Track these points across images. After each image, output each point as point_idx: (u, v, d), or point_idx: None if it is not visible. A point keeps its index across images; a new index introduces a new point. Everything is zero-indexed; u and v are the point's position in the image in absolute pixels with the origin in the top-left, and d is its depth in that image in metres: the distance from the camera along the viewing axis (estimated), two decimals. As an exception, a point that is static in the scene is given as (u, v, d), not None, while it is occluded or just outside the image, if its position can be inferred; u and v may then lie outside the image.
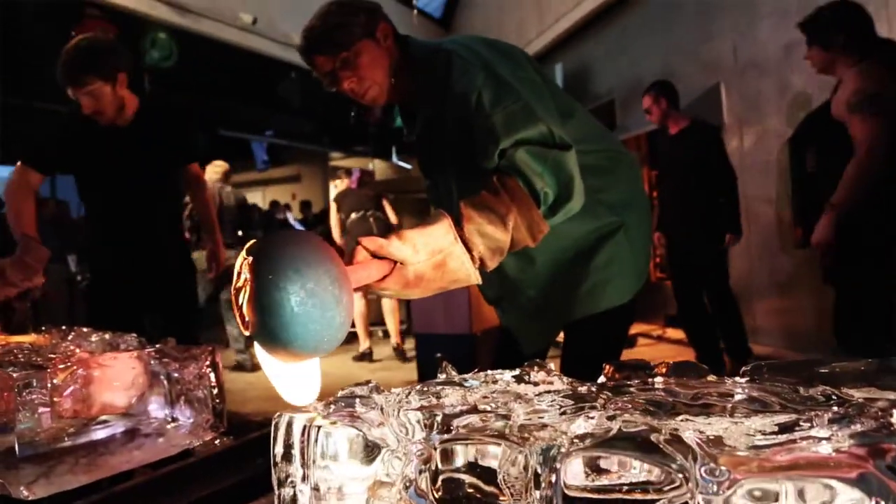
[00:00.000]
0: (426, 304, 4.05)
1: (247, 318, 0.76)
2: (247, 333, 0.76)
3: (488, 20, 9.30)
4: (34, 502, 0.89)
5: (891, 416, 0.47)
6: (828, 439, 0.44)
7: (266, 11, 7.03)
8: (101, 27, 5.48)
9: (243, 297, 0.76)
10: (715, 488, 0.40)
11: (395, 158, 11.15)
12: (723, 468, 0.41)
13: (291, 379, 0.80)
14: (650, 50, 5.95)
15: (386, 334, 6.14)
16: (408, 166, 11.63)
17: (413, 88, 1.43)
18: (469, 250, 0.98)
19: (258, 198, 12.74)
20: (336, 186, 5.91)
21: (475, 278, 0.99)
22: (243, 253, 0.78)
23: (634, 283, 1.51)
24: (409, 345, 5.56)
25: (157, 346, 1.14)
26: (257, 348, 0.78)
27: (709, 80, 5.02)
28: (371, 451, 0.55)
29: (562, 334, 1.62)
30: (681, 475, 0.42)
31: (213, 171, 5.55)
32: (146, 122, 2.53)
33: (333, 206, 5.74)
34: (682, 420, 0.51)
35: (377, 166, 12.28)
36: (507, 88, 1.22)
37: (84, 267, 7.18)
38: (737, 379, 0.64)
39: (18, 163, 2.42)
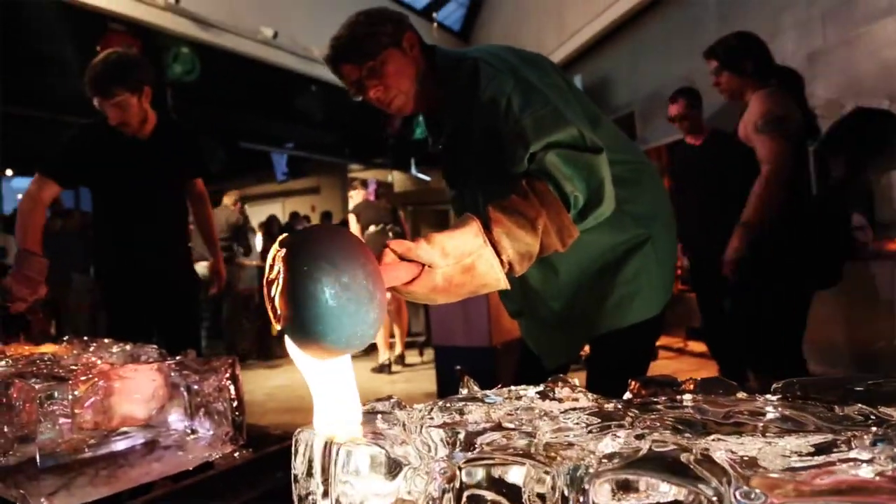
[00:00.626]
0: (445, 315, 4.03)
1: (278, 312, 0.73)
2: (278, 327, 0.74)
3: (507, 32, 9.31)
4: (54, 515, 0.88)
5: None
6: (869, 462, 0.42)
7: (286, 25, 7.10)
8: (125, 42, 5.56)
9: (276, 290, 0.74)
10: (751, 512, 0.39)
11: (413, 170, 11.17)
12: (758, 491, 0.40)
13: (323, 376, 0.76)
14: (670, 62, 5.93)
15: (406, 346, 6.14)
16: (427, 178, 11.64)
17: (439, 97, 1.43)
18: (498, 254, 0.95)
19: (278, 209, 12.80)
20: (352, 197, 5.92)
21: (503, 283, 0.96)
22: (276, 245, 0.76)
23: (662, 297, 1.49)
24: (428, 356, 5.55)
25: (178, 358, 1.13)
26: (288, 344, 0.75)
27: (730, 91, 4.97)
28: (393, 468, 0.54)
29: (586, 348, 1.60)
30: (714, 498, 0.40)
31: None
32: (163, 136, 2.60)
33: (352, 218, 5.75)
34: (713, 440, 0.49)
35: (396, 178, 12.32)
36: (535, 93, 1.21)
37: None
38: (768, 396, 0.62)
39: (36, 174, 2.45)
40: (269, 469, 1.02)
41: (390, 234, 5.58)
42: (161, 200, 2.66)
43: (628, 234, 1.42)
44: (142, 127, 2.52)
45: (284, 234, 0.77)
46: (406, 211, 12.42)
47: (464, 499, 0.50)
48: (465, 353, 4.06)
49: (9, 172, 12.90)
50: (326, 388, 0.73)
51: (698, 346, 5.38)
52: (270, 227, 8.90)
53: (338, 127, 8.74)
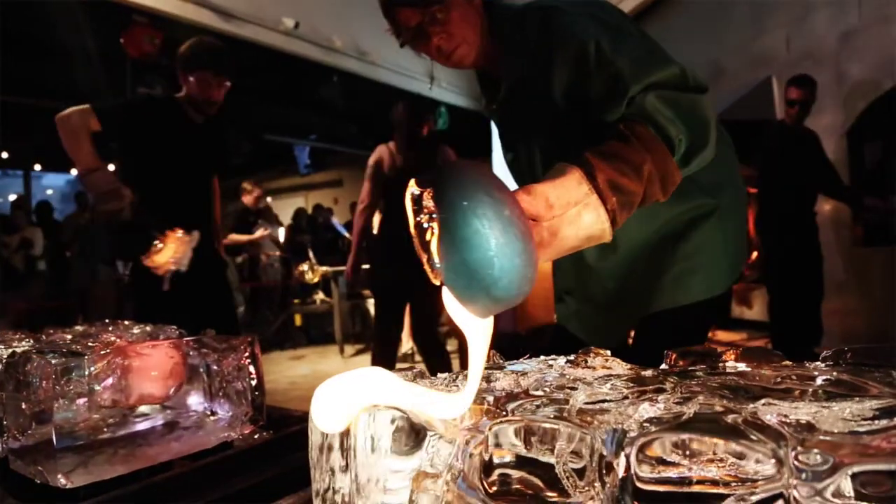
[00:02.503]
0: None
1: (436, 262, 0.63)
2: (437, 282, 0.64)
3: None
4: (72, 490, 0.87)
5: None
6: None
7: (308, 16, 7.08)
8: (149, 34, 5.59)
9: (430, 237, 0.63)
10: (816, 475, 0.35)
11: (439, 162, 11.13)
12: (819, 453, 0.36)
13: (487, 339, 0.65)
14: (696, 46, 5.81)
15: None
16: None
17: (495, 53, 1.34)
18: (603, 203, 0.85)
19: (301, 203, 12.87)
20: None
21: (608, 235, 0.88)
22: (412, 188, 0.66)
23: (728, 274, 1.37)
24: (452, 345, 5.52)
25: (196, 336, 1.11)
26: (449, 302, 0.65)
27: (759, 75, 4.87)
28: (416, 436, 0.50)
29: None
30: (773, 460, 0.36)
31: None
32: (216, 125, 2.79)
33: (376, 208, 5.72)
34: (763, 404, 0.45)
35: (419, 170, 12.27)
36: (625, 34, 1.15)
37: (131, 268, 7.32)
38: (818, 363, 0.58)
39: (87, 106, 2.49)
40: (290, 449, 1.00)
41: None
42: (203, 184, 2.80)
43: (693, 203, 1.31)
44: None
45: (417, 178, 0.67)
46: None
47: (492, 472, 0.47)
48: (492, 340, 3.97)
49: (37, 167, 13.10)
50: (485, 354, 0.63)
51: (727, 336, 5.30)
52: (298, 221, 8.93)
53: (360, 118, 8.72)
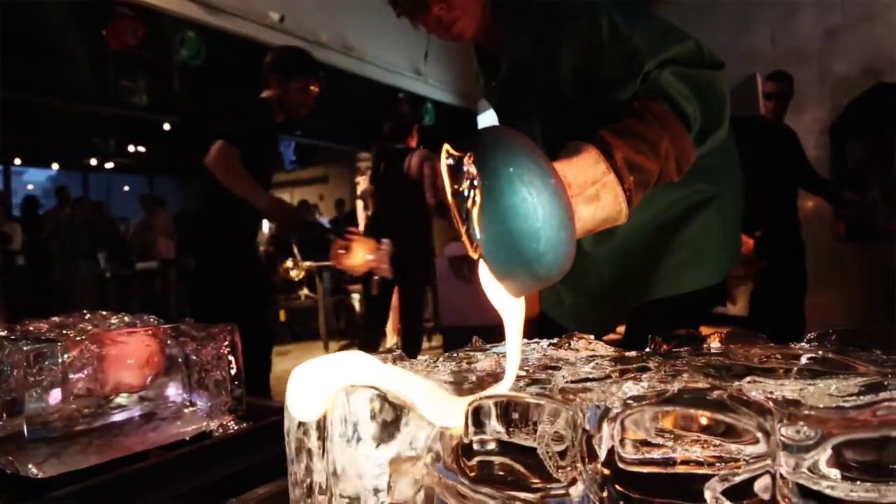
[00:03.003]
0: (454, 295, 3.96)
1: (476, 234, 0.57)
2: (475, 256, 0.58)
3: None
4: (43, 481, 0.84)
5: None
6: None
7: (294, 10, 7.03)
8: (132, 27, 5.52)
9: (471, 205, 0.57)
10: (802, 448, 0.34)
11: (422, 157, 11.11)
12: (806, 426, 0.35)
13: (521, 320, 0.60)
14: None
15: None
16: (435, 165, 11.57)
17: (499, 29, 1.29)
18: (621, 182, 0.81)
19: (286, 198, 12.80)
20: (360, 183, 5.89)
21: (624, 216, 0.84)
22: (446, 152, 0.60)
23: (725, 263, 1.33)
24: (437, 342, 5.51)
25: (174, 324, 1.09)
26: (486, 279, 0.59)
27: (744, 72, 4.90)
28: (395, 416, 0.49)
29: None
30: (759, 434, 0.35)
31: None
32: (294, 125, 2.94)
33: (360, 203, 5.71)
34: (748, 382, 0.44)
35: (405, 166, 12.27)
36: (637, 10, 1.12)
37: (113, 265, 7.26)
38: (803, 344, 0.57)
39: (221, 142, 2.56)
40: (268, 439, 0.98)
41: (400, 218, 5.52)
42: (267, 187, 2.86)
43: (693, 188, 1.27)
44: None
45: (448, 145, 0.61)
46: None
47: (474, 460, 0.45)
48: (475, 333, 3.96)
49: (17, 161, 12.95)
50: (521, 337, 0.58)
51: (709, 331, 5.31)
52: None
53: (346, 114, 8.69)
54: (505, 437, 0.44)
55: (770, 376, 0.46)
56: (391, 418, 0.48)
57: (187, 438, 1.02)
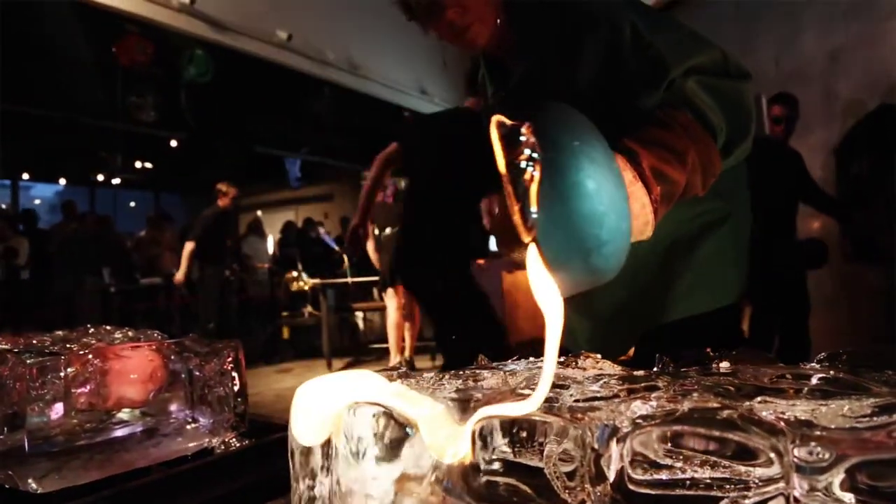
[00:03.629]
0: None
1: (532, 213, 0.49)
2: (526, 239, 0.49)
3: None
4: (43, 496, 0.84)
5: None
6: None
7: (301, 29, 7.09)
8: (141, 44, 5.58)
9: (530, 180, 0.50)
10: (816, 469, 0.33)
11: (427, 176, 11.14)
12: (819, 448, 0.34)
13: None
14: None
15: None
16: (440, 183, 11.61)
17: (511, 36, 1.25)
18: (648, 192, 0.76)
19: (291, 216, 12.85)
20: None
21: (650, 229, 0.80)
22: (497, 122, 0.54)
23: (739, 284, 1.29)
24: (441, 361, 5.49)
25: (178, 339, 1.09)
26: (535, 271, 0.49)
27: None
28: (400, 434, 0.48)
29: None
30: (773, 454, 0.34)
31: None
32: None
33: (366, 220, 5.72)
34: (759, 402, 0.43)
35: (409, 184, 12.31)
36: (662, 17, 1.09)
37: (118, 280, 7.28)
38: (813, 364, 0.57)
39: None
40: (270, 457, 0.97)
41: (406, 236, 5.52)
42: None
43: (706, 207, 1.22)
44: None
45: (500, 117, 0.55)
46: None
47: (480, 479, 0.45)
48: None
49: (25, 176, 13.02)
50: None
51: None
52: (287, 234, 8.91)
53: (351, 132, 8.74)
54: (511, 458, 0.43)
55: (781, 396, 0.46)
56: (396, 436, 0.48)
57: (189, 455, 1.01)
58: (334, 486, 0.51)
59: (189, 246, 6.05)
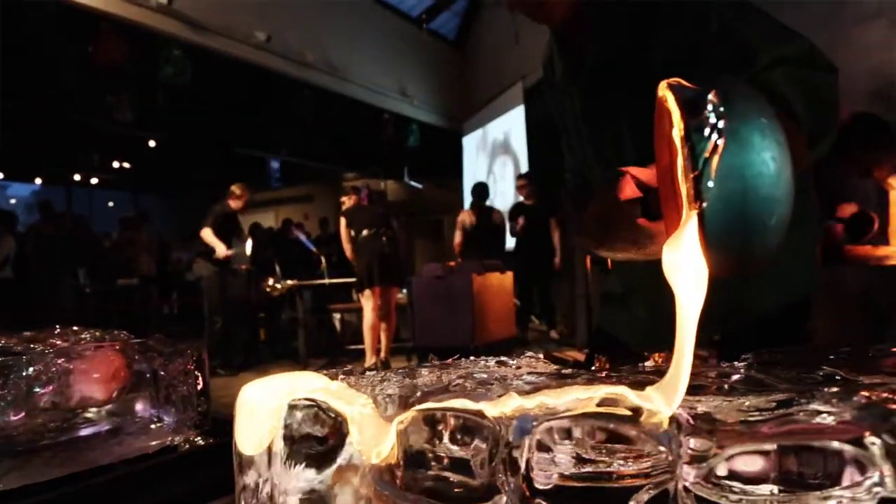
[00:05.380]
0: (429, 316, 3.96)
1: (709, 185, 0.47)
2: (692, 211, 0.47)
3: (502, 43, 9.34)
4: (2, 493, 0.85)
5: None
6: (828, 413, 0.40)
7: (281, 30, 7.09)
8: (118, 43, 5.55)
9: (712, 150, 0.47)
10: (700, 457, 0.36)
11: (406, 178, 11.17)
12: (706, 438, 0.37)
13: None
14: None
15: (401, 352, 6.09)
16: (419, 186, 11.64)
17: (590, 17, 1.21)
18: None
19: (271, 218, 12.81)
20: (344, 203, 5.92)
21: None
22: (673, 86, 0.52)
23: (808, 280, 1.25)
24: (416, 362, 5.51)
25: (142, 339, 1.11)
26: (681, 248, 0.47)
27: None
28: (336, 428, 0.51)
29: None
30: (662, 446, 0.37)
31: None
32: None
33: (343, 221, 5.74)
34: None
35: (389, 187, 12.34)
36: (746, 4, 1.06)
37: (93, 281, 7.23)
38: (736, 364, 0.60)
39: None
40: (231, 454, 0.99)
41: (384, 238, 5.56)
42: None
43: None
44: None
45: (676, 80, 0.52)
46: (399, 221, 12.45)
47: (408, 469, 0.47)
48: (446, 353, 3.97)
49: (0, 175, 12.87)
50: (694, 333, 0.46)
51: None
52: (257, 236, 8.88)
53: (331, 134, 8.75)
54: (438, 451, 0.46)
55: (698, 392, 0.49)
56: (333, 430, 0.50)
57: (151, 452, 1.02)
58: (274, 482, 0.53)
59: (207, 231, 5.99)
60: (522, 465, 0.41)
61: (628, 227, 0.80)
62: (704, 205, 0.47)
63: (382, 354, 5.63)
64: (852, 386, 0.49)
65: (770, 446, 0.37)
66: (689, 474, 0.37)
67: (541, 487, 0.41)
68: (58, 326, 1.34)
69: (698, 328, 1.23)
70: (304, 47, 7.36)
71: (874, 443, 0.35)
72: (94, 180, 13.70)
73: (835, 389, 0.45)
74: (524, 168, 8.71)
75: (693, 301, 0.46)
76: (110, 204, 15.73)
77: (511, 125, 9.35)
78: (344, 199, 5.96)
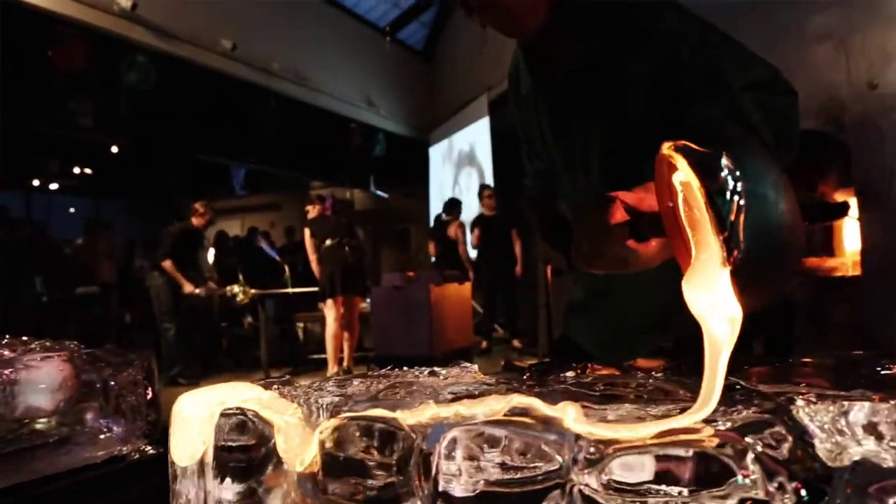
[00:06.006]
0: (388, 324, 3.98)
1: (740, 243, 0.49)
2: (727, 266, 0.50)
3: (471, 53, 9.42)
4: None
5: (791, 404, 0.47)
6: (714, 421, 0.44)
7: (246, 38, 7.07)
8: (79, 48, 5.48)
9: (737, 211, 0.49)
10: (586, 462, 0.39)
11: (372, 188, 11.17)
12: (592, 442, 0.41)
13: None
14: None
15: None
16: (385, 195, 11.64)
17: (560, 30, 1.21)
18: None
19: (236, 226, 12.69)
20: (309, 212, 5.92)
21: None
22: (681, 150, 0.54)
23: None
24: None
25: (91, 350, 1.11)
26: (722, 296, 0.51)
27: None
28: (265, 435, 0.53)
29: None
30: (555, 449, 0.41)
31: None
32: None
33: (307, 231, 5.74)
34: (583, 405, 0.50)
35: (356, 196, 12.32)
36: (716, 30, 1.09)
37: (51, 289, 7.09)
38: (656, 374, 0.64)
39: None
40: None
41: (347, 248, 5.56)
42: None
43: None
44: None
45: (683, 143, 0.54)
46: (366, 230, 12.45)
47: (331, 474, 0.50)
48: (405, 362, 3.98)
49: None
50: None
51: (647, 363, 5.41)
52: (221, 244, 8.82)
53: (297, 143, 8.72)
54: (357, 456, 0.48)
55: (616, 401, 0.53)
56: (260, 440, 0.53)
57: (98, 462, 1.03)
58: (207, 490, 0.55)
59: (168, 264, 5.98)
60: (433, 471, 0.44)
61: (618, 248, 0.84)
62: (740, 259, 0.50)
63: (345, 364, 5.62)
64: (748, 395, 0.53)
65: (655, 451, 0.40)
66: (584, 478, 0.40)
67: (461, 494, 0.43)
68: (7, 336, 1.33)
69: (647, 337, 1.21)
70: (270, 56, 7.34)
71: (746, 449, 0.39)
72: (53, 186, 13.44)
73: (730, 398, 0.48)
74: (489, 179, 8.79)
75: (728, 340, 0.51)
76: (72, 210, 15.43)
77: (476, 136, 9.41)
78: (308, 207, 5.95)
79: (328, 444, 0.49)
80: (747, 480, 0.37)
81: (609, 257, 0.86)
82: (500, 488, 0.43)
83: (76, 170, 12.40)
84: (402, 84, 10.60)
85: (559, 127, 1.33)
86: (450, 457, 0.44)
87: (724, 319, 0.51)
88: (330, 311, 5.49)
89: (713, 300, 0.52)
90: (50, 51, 5.28)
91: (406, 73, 10.78)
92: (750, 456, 0.38)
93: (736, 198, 0.50)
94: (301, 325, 6.92)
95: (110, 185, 13.95)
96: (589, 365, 0.70)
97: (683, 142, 0.54)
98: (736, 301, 0.50)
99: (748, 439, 0.39)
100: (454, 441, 0.44)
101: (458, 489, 0.43)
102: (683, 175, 0.54)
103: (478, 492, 0.43)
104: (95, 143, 8.93)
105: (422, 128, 11.02)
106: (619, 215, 0.81)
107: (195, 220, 6.25)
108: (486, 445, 0.44)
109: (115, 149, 9.69)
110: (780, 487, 0.38)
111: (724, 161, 0.50)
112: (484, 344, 7.01)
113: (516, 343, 7.11)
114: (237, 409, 0.53)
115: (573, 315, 1.51)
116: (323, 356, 5.89)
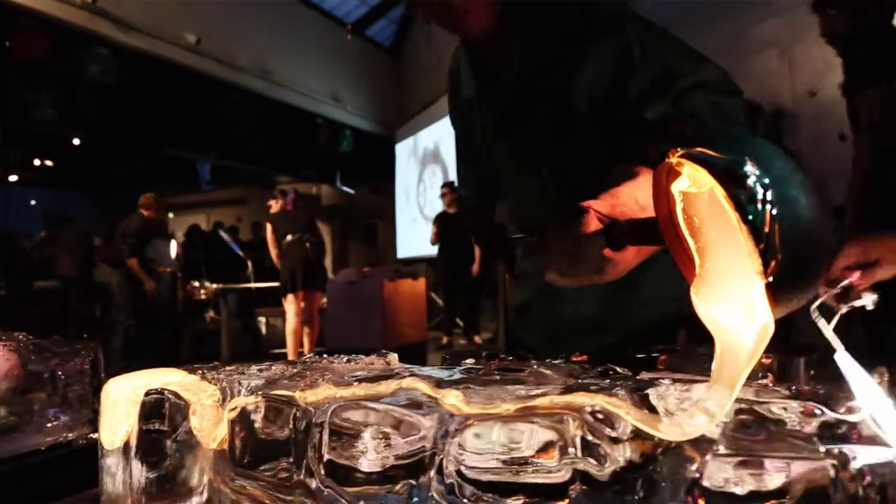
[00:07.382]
0: (340, 318, 4.01)
1: (776, 251, 0.46)
2: (765, 279, 0.46)
3: (441, 50, 9.43)
4: None
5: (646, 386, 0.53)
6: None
7: (211, 32, 7.03)
8: (38, 39, 5.41)
9: (770, 220, 0.46)
10: (448, 430, 0.46)
11: (338, 183, 11.16)
12: (452, 412, 0.47)
13: None
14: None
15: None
16: (351, 191, 11.64)
17: (509, 32, 1.21)
18: None
19: (202, 220, 12.58)
20: (271, 207, 5.92)
21: None
22: (697, 157, 0.50)
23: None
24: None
25: (37, 340, 1.14)
26: (760, 307, 0.47)
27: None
28: (183, 413, 0.59)
29: None
30: (425, 420, 0.47)
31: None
32: None
33: (269, 227, 5.75)
34: (464, 388, 0.56)
35: (324, 192, 12.29)
36: (664, 31, 1.12)
37: (9, 283, 6.97)
38: (554, 362, 0.69)
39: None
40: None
41: (307, 244, 5.58)
42: None
43: None
44: None
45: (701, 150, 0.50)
46: (334, 225, 12.45)
47: (245, 450, 0.55)
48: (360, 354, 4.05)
49: None
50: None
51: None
52: (192, 238, 8.75)
53: (263, 137, 8.69)
54: (262, 434, 0.54)
55: (490, 385, 0.59)
56: (175, 419, 0.58)
57: (42, 448, 1.06)
58: (132, 470, 0.60)
59: (134, 262, 5.91)
60: (324, 447, 0.50)
61: (594, 258, 0.83)
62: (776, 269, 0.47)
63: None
64: (620, 380, 0.59)
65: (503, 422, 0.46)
66: (452, 448, 0.46)
67: (368, 470, 0.49)
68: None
69: (589, 337, 1.21)
70: (235, 50, 7.31)
71: (569, 423, 0.45)
72: (13, 177, 13.18)
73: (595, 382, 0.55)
74: (452, 177, 8.84)
75: (754, 350, 0.48)
76: (32, 202, 15.13)
77: (441, 134, 9.46)
78: (271, 202, 5.95)
79: (237, 423, 0.54)
80: (572, 450, 0.43)
81: (585, 268, 0.85)
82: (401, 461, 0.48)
83: (36, 161, 12.19)
84: (368, 80, 10.61)
85: (506, 128, 1.32)
86: (355, 435, 0.49)
87: (752, 329, 0.48)
88: (290, 305, 5.53)
89: (735, 309, 0.49)
90: (7, 41, 5.20)
91: (373, 69, 10.80)
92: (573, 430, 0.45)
93: (768, 207, 0.47)
94: (263, 319, 6.92)
95: (73, 178, 13.74)
96: (499, 356, 0.76)
97: (700, 149, 0.50)
98: (769, 310, 0.47)
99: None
100: (341, 414, 0.50)
101: (366, 464, 0.49)
102: (688, 183, 0.52)
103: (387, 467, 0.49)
104: (57, 135, 8.79)
105: (388, 124, 11.05)
106: (594, 224, 0.80)
107: (145, 213, 6.16)
108: (391, 429, 0.50)
109: (76, 141, 9.56)
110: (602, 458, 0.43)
111: (749, 167, 0.47)
112: (445, 339, 7.11)
113: (478, 339, 7.19)
114: (158, 390, 0.58)
115: (519, 314, 1.54)
116: (283, 350, 5.91)
